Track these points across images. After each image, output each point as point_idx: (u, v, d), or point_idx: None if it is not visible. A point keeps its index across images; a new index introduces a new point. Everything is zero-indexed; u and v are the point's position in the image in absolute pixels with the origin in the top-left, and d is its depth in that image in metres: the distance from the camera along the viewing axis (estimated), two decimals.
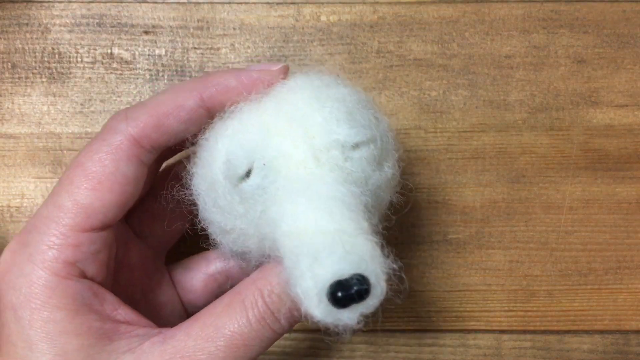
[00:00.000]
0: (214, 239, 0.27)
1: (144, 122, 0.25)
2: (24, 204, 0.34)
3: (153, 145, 0.25)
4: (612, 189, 0.35)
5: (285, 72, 0.26)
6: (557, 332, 0.34)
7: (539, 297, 0.34)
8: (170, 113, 0.25)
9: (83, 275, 0.24)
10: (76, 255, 0.24)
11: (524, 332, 0.34)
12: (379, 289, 0.20)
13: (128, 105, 0.34)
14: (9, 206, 0.34)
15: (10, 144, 0.34)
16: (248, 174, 0.24)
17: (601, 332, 0.34)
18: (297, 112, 0.24)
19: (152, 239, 0.30)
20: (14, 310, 0.23)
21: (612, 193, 0.35)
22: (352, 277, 0.20)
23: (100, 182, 0.24)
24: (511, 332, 0.34)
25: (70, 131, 0.35)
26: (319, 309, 0.20)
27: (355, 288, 0.20)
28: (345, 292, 0.20)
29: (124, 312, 0.25)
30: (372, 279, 0.20)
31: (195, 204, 0.27)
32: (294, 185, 0.23)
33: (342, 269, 0.20)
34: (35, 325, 0.23)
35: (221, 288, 0.30)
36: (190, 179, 0.26)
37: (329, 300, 0.20)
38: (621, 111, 0.35)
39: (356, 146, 0.25)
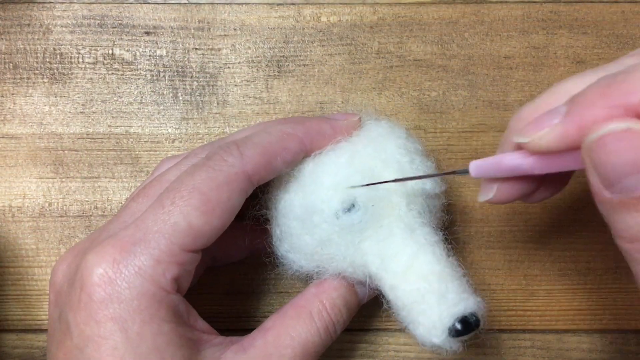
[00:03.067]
0: (281, 256, 0.30)
1: (257, 160, 0.27)
2: (26, 204, 0.34)
3: (259, 181, 0.27)
4: None
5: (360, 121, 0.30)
6: (557, 331, 0.34)
7: (538, 297, 0.34)
8: (278, 154, 0.27)
9: (179, 290, 0.26)
10: (179, 272, 0.25)
11: (524, 331, 0.34)
12: (482, 323, 0.26)
13: (129, 106, 0.35)
14: (10, 206, 0.34)
15: (12, 144, 0.35)
16: (350, 208, 0.27)
17: (600, 331, 0.34)
18: (393, 159, 0.28)
19: (209, 258, 0.32)
20: (121, 322, 0.24)
21: None
22: (471, 315, 0.26)
23: (214, 208, 0.26)
24: (510, 331, 0.34)
25: (71, 131, 0.35)
26: (440, 338, 0.26)
27: (473, 324, 0.26)
28: (467, 327, 0.26)
29: (201, 323, 0.27)
30: (480, 316, 0.26)
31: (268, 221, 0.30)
32: (397, 226, 0.28)
33: (467, 308, 0.26)
34: (146, 338, 0.24)
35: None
36: (277, 203, 0.29)
37: (449, 331, 0.26)
38: None
39: (435, 196, 0.29)
